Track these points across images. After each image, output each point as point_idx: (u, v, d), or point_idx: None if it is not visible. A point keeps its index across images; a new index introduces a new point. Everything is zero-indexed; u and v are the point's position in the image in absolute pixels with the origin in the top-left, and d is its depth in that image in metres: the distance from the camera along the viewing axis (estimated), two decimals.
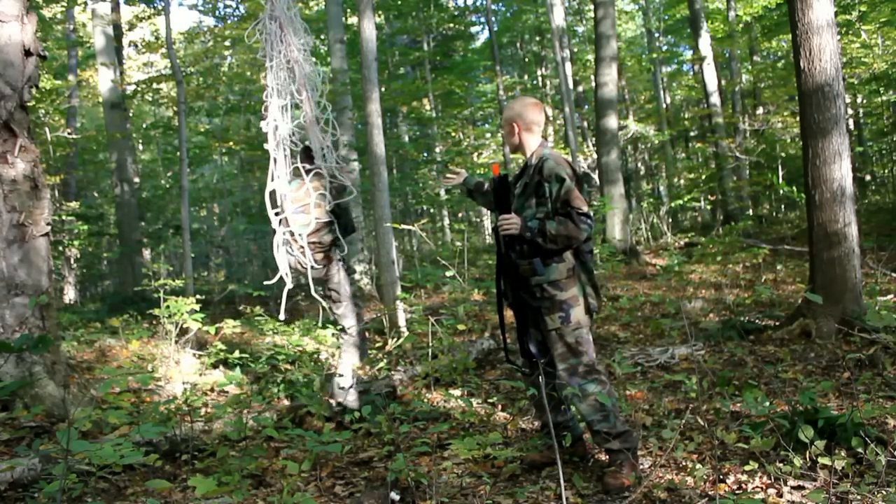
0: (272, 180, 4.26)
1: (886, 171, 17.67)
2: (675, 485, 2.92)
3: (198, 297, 6.95)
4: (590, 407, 3.02)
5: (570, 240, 2.94)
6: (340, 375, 4.42)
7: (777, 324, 5.79)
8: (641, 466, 3.19)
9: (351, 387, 4.38)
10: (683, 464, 3.15)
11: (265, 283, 4.67)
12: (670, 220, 15.15)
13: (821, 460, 2.87)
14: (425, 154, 18.48)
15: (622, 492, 2.89)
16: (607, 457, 3.11)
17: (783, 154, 15.60)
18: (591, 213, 3.03)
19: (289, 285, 4.24)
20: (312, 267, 4.30)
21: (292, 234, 4.28)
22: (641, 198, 20.53)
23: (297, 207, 4.31)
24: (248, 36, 4.55)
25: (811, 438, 2.95)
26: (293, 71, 4.34)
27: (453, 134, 20.69)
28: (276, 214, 4.28)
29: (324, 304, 4.57)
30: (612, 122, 12.14)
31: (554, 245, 2.95)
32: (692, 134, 21.13)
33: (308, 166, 4.37)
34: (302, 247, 4.27)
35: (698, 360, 5.08)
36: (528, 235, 2.97)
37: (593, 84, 12.01)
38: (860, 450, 2.92)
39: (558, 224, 2.93)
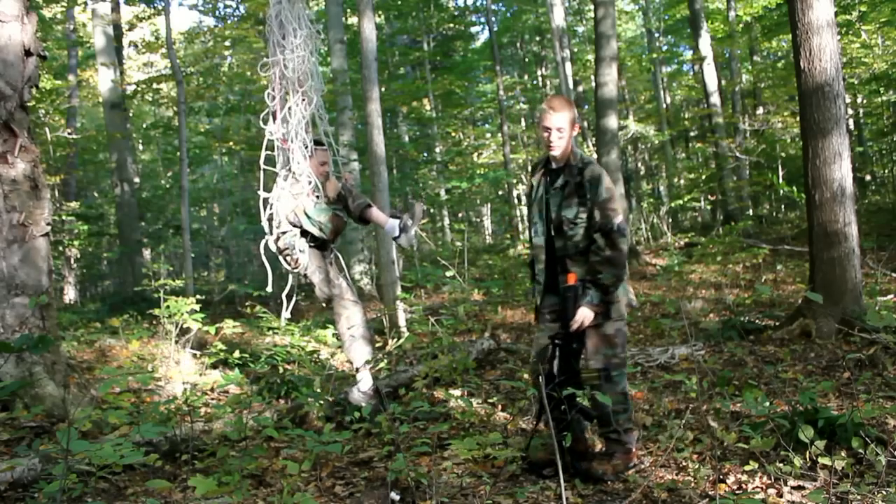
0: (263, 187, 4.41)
1: (886, 171, 17.66)
2: (675, 485, 2.92)
3: (198, 297, 6.95)
4: (615, 397, 3.08)
5: (623, 262, 3.07)
6: (359, 381, 4.37)
7: (777, 324, 5.79)
8: (642, 466, 3.19)
9: (366, 390, 4.35)
10: (684, 464, 3.15)
11: (268, 289, 4.75)
12: (670, 220, 15.15)
13: (821, 460, 2.87)
14: (425, 154, 18.48)
15: (601, 480, 3.03)
16: (603, 446, 3.22)
17: (783, 154, 15.59)
18: (625, 216, 3.12)
19: (269, 288, 4.46)
20: (292, 270, 4.45)
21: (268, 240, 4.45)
22: (641, 198, 20.52)
23: (269, 214, 4.47)
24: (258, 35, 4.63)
25: (811, 438, 2.95)
26: (286, 72, 4.38)
27: (453, 134, 20.68)
28: (269, 219, 4.43)
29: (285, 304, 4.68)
30: (612, 122, 12.13)
31: (620, 278, 3.08)
32: (692, 134, 21.11)
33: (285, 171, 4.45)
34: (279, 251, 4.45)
35: (698, 360, 5.08)
36: (600, 309, 3.06)
37: (593, 84, 12.00)
38: (860, 450, 2.92)
39: (608, 266, 3.02)
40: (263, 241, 4.50)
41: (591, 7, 14.21)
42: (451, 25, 18.61)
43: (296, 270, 4.43)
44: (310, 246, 4.39)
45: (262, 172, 4.55)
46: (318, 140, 4.55)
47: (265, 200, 4.48)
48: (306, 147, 4.39)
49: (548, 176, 3.25)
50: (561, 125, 3.09)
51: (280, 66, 4.39)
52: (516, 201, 20.55)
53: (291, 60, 4.38)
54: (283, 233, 4.40)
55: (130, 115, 17.04)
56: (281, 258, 4.46)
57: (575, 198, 3.12)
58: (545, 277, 3.26)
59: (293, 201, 4.34)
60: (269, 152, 4.51)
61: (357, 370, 4.36)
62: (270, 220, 4.46)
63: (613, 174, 12.18)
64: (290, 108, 4.39)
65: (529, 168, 21.59)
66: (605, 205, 3.04)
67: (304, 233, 4.37)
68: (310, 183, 4.37)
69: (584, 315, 3.04)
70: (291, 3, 4.42)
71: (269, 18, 4.50)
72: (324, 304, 4.61)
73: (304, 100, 4.44)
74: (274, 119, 4.44)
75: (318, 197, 4.41)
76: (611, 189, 3.08)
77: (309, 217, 4.29)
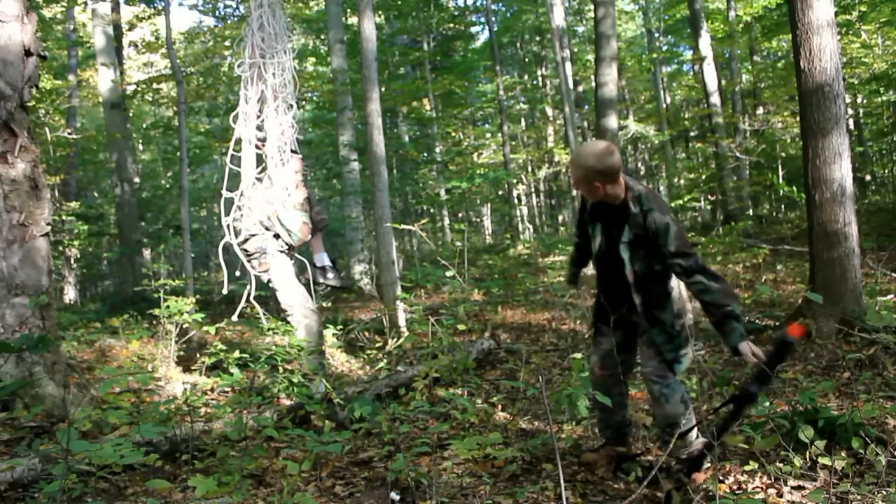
0: (226, 189, 4.42)
1: (886, 171, 17.67)
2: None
3: (198, 297, 6.94)
4: (676, 405, 2.99)
5: (729, 285, 2.89)
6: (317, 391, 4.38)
7: (777, 324, 5.79)
8: (645, 467, 3.19)
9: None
10: None
11: (224, 291, 4.78)
12: None
13: (821, 460, 2.87)
14: (425, 154, 18.48)
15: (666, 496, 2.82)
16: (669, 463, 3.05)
17: (783, 154, 15.58)
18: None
19: (225, 290, 4.47)
20: (255, 274, 4.44)
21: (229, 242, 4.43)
22: None
23: (237, 216, 4.44)
24: (237, 44, 4.65)
25: (811, 438, 2.95)
26: (255, 78, 4.41)
27: (453, 134, 20.68)
28: (227, 223, 4.43)
29: (259, 308, 4.69)
30: (612, 122, 12.13)
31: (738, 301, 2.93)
32: (692, 134, 21.12)
33: (258, 176, 4.47)
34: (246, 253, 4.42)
35: (698, 360, 5.08)
36: (744, 331, 2.84)
37: (593, 84, 12.00)
38: (860, 450, 2.92)
39: (727, 297, 2.82)
40: (223, 242, 4.52)
41: (591, 7, 14.21)
42: (451, 25, 18.60)
43: (262, 273, 4.46)
44: (278, 251, 4.42)
45: (227, 172, 4.57)
46: (293, 148, 4.60)
47: (229, 201, 4.50)
48: (283, 154, 4.43)
49: (606, 213, 3.02)
50: (580, 187, 2.95)
51: (259, 68, 4.41)
52: (516, 201, 20.53)
53: (272, 66, 4.40)
54: (254, 235, 4.41)
55: (130, 115, 17.04)
56: (247, 261, 4.48)
57: (643, 250, 2.92)
58: (605, 312, 3.18)
59: (269, 206, 4.37)
60: (234, 153, 4.54)
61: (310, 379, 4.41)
62: (236, 221, 4.50)
63: None
64: (268, 113, 4.42)
65: (531, 168, 21.21)
66: (682, 249, 2.83)
67: (276, 236, 4.40)
68: (285, 189, 4.41)
69: (754, 352, 2.76)
70: (272, 9, 4.44)
71: (248, 20, 4.52)
72: (284, 310, 4.58)
73: (280, 106, 4.48)
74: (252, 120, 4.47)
75: (298, 203, 4.45)
76: (679, 230, 2.85)
77: (282, 223, 4.32)
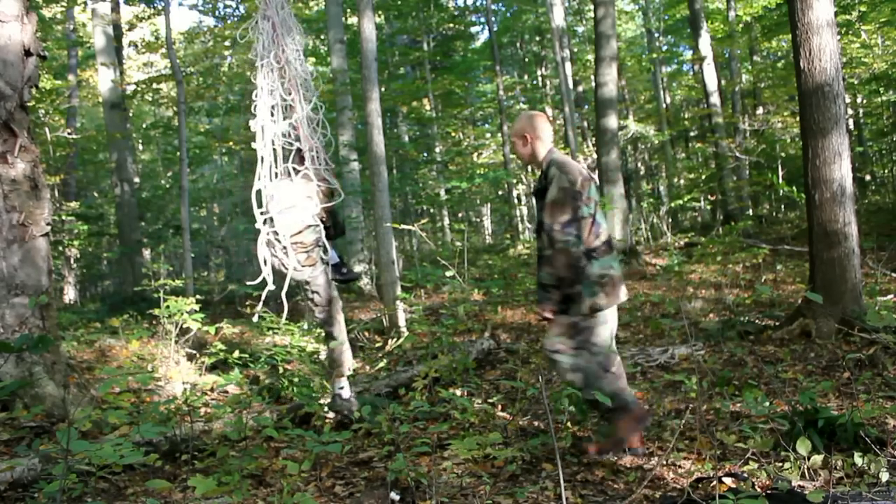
0: (258, 180, 4.26)
1: (886, 171, 17.67)
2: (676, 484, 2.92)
3: (198, 297, 6.94)
4: (572, 374, 3.26)
5: (565, 261, 3.12)
6: (340, 388, 4.34)
7: (777, 324, 5.79)
8: (646, 466, 3.19)
9: (350, 397, 4.35)
10: (686, 466, 3.15)
11: (248, 282, 4.65)
12: (670, 220, 15.14)
13: (820, 460, 2.87)
14: (425, 154, 18.49)
15: (585, 453, 3.20)
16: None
17: (783, 154, 15.59)
18: (577, 217, 3.14)
19: (270, 286, 4.23)
20: (294, 268, 4.27)
21: (276, 234, 4.24)
22: (641, 198, 20.52)
23: (283, 208, 4.28)
24: (241, 36, 4.58)
25: (812, 442, 2.95)
26: (284, 71, 4.35)
27: (453, 134, 20.70)
28: (262, 214, 4.27)
29: (285, 305, 4.61)
30: (612, 121, 12.13)
31: (565, 274, 3.15)
32: (692, 134, 21.12)
33: (297, 167, 4.37)
34: (285, 247, 4.24)
35: (698, 360, 5.08)
36: (548, 306, 3.19)
37: (593, 84, 12.00)
38: (860, 450, 2.92)
39: (545, 265, 3.19)
40: (265, 235, 4.33)
41: (591, 7, 14.21)
42: (451, 25, 18.61)
43: (308, 268, 4.34)
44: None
45: (259, 163, 4.37)
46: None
47: (258, 193, 4.37)
48: (317, 151, 4.39)
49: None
50: (517, 148, 3.40)
51: (275, 67, 4.36)
52: (516, 201, 20.53)
53: (296, 60, 4.37)
54: (309, 226, 4.28)
55: (130, 115, 17.04)
56: (294, 255, 4.30)
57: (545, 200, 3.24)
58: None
59: (326, 199, 4.33)
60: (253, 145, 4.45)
61: (339, 377, 4.32)
62: (263, 214, 4.39)
63: (613, 174, 12.18)
64: (299, 110, 4.37)
65: (531, 168, 21.51)
66: (550, 206, 3.15)
67: (326, 228, 4.37)
68: (330, 184, 4.40)
69: (540, 308, 3.22)
70: (280, 6, 4.42)
71: (263, 14, 4.45)
72: (319, 308, 4.47)
73: (315, 103, 4.45)
74: (290, 113, 4.39)
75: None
76: (563, 191, 3.13)
77: (334, 216, 4.33)
